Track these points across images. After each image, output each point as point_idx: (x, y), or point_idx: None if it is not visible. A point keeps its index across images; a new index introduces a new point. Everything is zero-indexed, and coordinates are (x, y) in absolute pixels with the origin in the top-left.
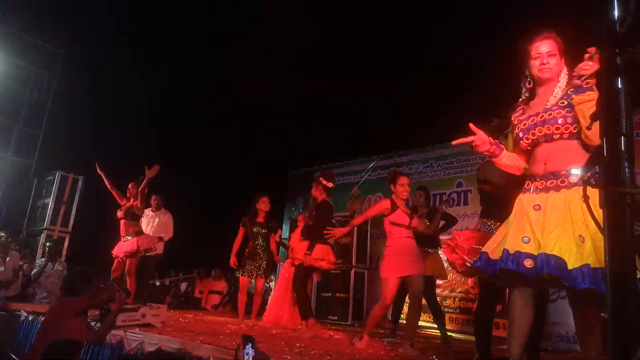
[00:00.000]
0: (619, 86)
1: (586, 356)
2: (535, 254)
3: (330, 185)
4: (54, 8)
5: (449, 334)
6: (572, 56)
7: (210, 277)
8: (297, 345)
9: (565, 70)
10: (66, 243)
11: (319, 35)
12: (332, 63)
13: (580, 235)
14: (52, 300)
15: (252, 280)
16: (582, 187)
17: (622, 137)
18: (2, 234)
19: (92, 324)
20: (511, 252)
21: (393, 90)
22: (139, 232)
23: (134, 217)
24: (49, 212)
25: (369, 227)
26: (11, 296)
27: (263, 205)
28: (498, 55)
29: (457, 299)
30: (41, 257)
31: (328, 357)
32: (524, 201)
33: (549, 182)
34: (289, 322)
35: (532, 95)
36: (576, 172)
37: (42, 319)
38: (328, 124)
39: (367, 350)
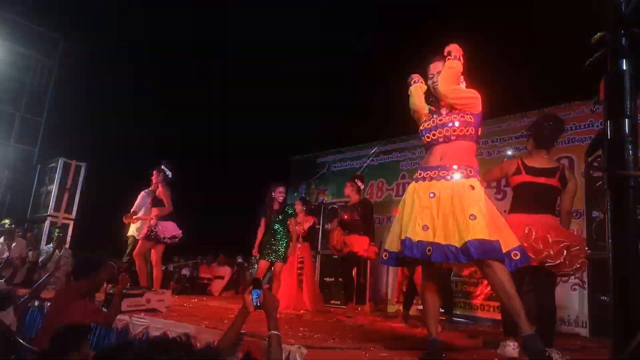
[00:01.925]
0: (624, 68)
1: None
2: (433, 241)
3: (362, 186)
4: None
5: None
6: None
7: (215, 263)
8: (301, 329)
9: (462, 82)
10: (70, 229)
11: (320, 17)
12: (334, 47)
13: (471, 214)
14: (58, 286)
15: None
16: (467, 179)
17: (627, 119)
18: (7, 221)
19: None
20: (414, 240)
21: (395, 74)
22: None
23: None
24: (53, 199)
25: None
26: (17, 282)
27: (279, 194)
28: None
29: (459, 283)
30: (47, 244)
31: (331, 341)
32: (420, 190)
33: (440, 171)
34: (294, 307)
35: (436, 106)
36: (458, 167)
37: (49, 304)
38: (330, 109)
39: (371, 334)
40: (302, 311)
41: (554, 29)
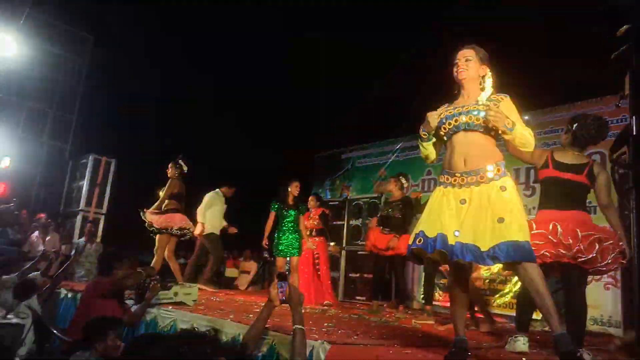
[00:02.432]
0: None
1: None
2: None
3: (406, 184)
4: None
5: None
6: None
7: (241, 258)
8: (325, 324)
9: (489, 78)
10: (101, 224)
11: (343, 15)
12: (358, 43)
13: (499, 217)
14: (90, 278)
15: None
16: (497, 180)
17: None
18: (42, 216)
19: (130, 302)
20: (449, 243)
21: (419, 70)
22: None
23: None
24: (84, 194)
25: None
26: (51, 275)
27: (295, 189)
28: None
29: (487, 280)
30: (79, 238)
31: (355, 337)
32: (450, 195)
33: (469, 177)
34: (315, 300)
35: (458, 96)
36: (491, 167)
37: (80, 296)
38: (354, 105)
39: (395, 330)
40: (325, 304)
41: (584, 19)
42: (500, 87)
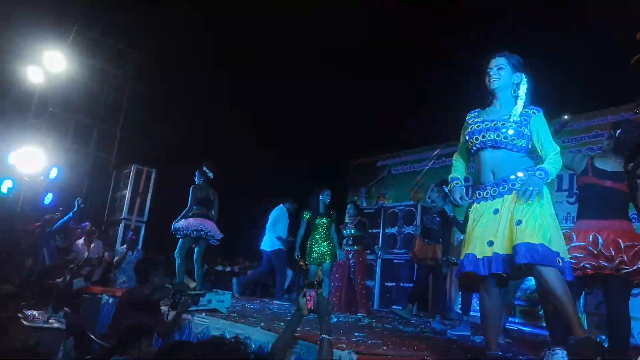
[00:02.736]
0: None
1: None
2: (495, 252)
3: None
4: (125, 9)
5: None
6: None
7: None
8: (355, 334)
9: (524, 84)
10: (142, 232)
11: (377, 22)
12: (395, 50)
13: (518, 220)
14: (131, 284)
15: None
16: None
17: None
18: (87, 224)
19: (164, 309)
20: (479, 257)
21: (458, 75)
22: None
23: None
24: (126, 203)
25: None
26: (94, 281)
27: (327, 197)
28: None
29: (527, 290)
30: (121, 245)
31: (384, 348)
32: (482, 209)
33: (501, 187)
34: (346, 308)
35: (490, 103)
36: (521, 174)
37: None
38: (389, 111)
39: (429, 341)
40: (358, 314)
41: (630, 22)
42: (542, 88)
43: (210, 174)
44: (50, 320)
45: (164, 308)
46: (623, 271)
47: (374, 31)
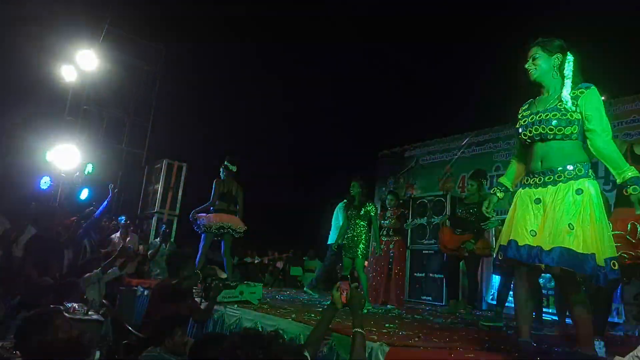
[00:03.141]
0: None
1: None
2: (537, 245)
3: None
4: (154, 5)
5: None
6: None
7: (306, 256)
8: (386, 325)
9: (569, 63)
10: (175, 225)
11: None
12: (421, 39)
13: (570, 223)
14: (165, 276)
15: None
16: (576, 180)
17: None
18: (123, 218)
19: (198, 299)
20: (520, 244)
21: (488, 60)
22: None
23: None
24: (159, 197)
25: None
26: (129, 273)
27: (354, 189)
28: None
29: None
30: (155, 238)
31: (416, 339)
32: (525, 196)
33: (546, 177)
34: (381, 301)
35: (539, 92)
36: (571, 167)
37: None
38: (418, 100)
39: (460, 333)
40: (388, 306)
41: None
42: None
43: (233, 168)
44: (89, 312)
45: (197, 299)
46: None
47: (399, 21)
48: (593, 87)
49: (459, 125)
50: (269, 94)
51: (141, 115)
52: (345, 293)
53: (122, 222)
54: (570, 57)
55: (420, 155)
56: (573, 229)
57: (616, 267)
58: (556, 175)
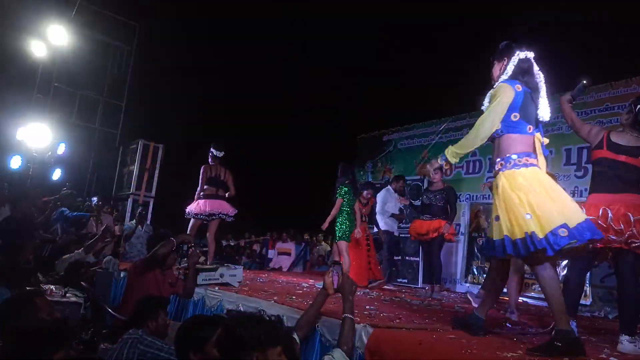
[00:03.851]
0: None
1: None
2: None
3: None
4: None
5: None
6: None
7: (281, 240)
8: (367, 307)
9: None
10: (151, 207)
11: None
12: (400, 24)
13: (496, 216)
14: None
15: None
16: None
17: None
18: (95, 199)
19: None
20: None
21: (465, 47)
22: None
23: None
24: (134, 178)
25: None
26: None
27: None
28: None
29: None
30: (130, 220)
31: (397, 320)
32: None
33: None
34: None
35: None
36: (494, 164)
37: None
38: (396, 85)
39: (438, 315)
40: (370, 285)
41: None
42: (551, 61)
43: (218, 153)
44: (67, 295)
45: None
46: (633, 245)
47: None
48: (497, 85)
49: (436, 110)
50: (250, 74)
51: (115, 94)
52: (337, 278)
53: (95, 203)
54: (505, 62)
55: (398, 140)
56: (498, 220)
57: (565, 234)
58: (494, 171)
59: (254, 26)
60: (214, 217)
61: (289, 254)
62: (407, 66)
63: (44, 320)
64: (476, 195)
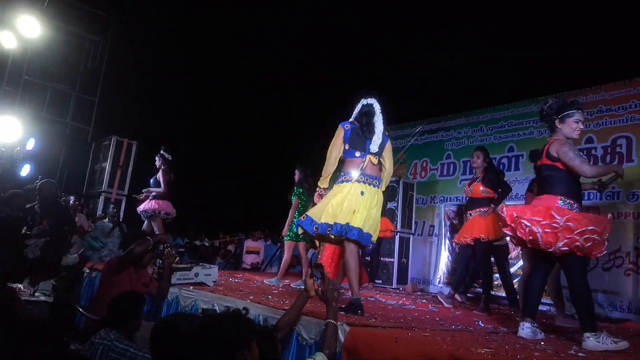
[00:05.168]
0: None
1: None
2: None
3: None
4: None
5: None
6: None
7: (250, 239)
8: (342, 306)
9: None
10: (123, 205)
11: None
12: (378, 24)
13: (354, 210)
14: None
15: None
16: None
17: None
18: (72, 198)
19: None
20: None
21: (441, 52)
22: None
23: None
24: (107, 175)
25: (414, 192)
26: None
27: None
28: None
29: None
30: (102, 219)
31: (373, 320)
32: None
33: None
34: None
35: None
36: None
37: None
38: (371, 87)
39: (412, 314)
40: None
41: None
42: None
43: (168, 157)
44: (36, 294)
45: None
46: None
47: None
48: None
49: (412, 113)
50: (225, 67)
51: (88, 89)
52: (318, 281)
53: (71, 203)
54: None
55: None
56: (354, 213)
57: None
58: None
59: (232, 19)
60: (169, 217)
61: (257, 253)
62: (382, 66)
63: (27, 319)
64: (450, 197)
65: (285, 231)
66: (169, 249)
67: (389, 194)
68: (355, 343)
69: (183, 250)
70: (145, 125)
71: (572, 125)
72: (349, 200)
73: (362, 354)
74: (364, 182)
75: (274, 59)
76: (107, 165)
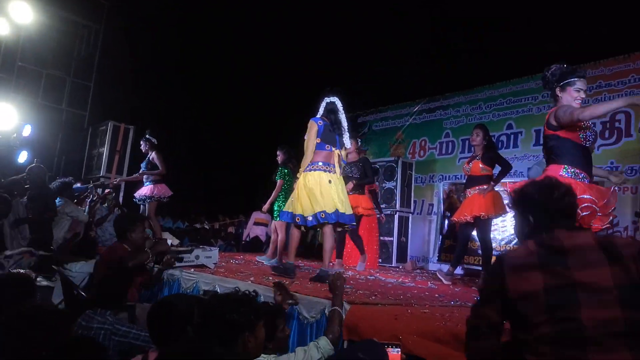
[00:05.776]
0: None
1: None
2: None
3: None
4: None
5: None
6: None
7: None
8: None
9: None
10: (122, 190)
11: None
12: (374, 2)
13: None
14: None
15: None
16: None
17: None
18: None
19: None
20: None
21: (438, 29)
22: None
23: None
24: (104, 160)
25: (413, 171)
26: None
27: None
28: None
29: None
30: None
31: (373, 297)
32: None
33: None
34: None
35: None
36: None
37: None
38: (370, 66)
39: (412, 291)
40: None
41: None
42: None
43: (154, 140)
44: (38, 279)
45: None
46: None
47: None
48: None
49: (411, 92)
50: (223, 52)
51: (83, 74)
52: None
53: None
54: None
55: (372, 121)
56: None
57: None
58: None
59: (230, 2)
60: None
61: (265, 225)
62: (380, 46)
63: (46, 309)
64: (449, 176)
65: (266, 207)
66: (168, 256)
67: (388, 174)
68: (355, 320)
69: (181, 256)
70: (142, 110)
71: (573, 94)
72: (320, 189)
73: (363, 332)
74: (329, 172)
75: (273, 44)
76: (105, 150)
